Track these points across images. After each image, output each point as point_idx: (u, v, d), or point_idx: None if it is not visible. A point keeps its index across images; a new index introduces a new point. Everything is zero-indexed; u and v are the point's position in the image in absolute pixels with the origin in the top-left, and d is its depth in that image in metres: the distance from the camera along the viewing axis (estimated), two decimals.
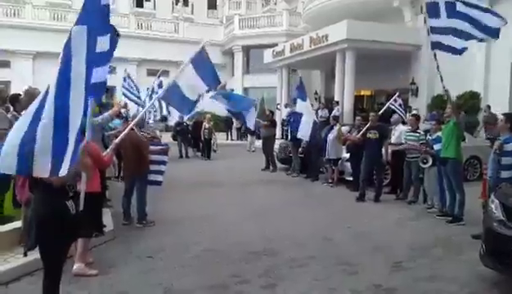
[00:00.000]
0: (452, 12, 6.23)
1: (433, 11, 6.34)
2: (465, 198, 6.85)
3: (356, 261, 5.11)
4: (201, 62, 5.84)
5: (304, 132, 10.93)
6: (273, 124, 13.56)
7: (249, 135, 19.19)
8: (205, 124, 16.29)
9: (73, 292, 4.12)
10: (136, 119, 6.04)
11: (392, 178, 9.50)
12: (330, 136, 10.33)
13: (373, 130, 8.58)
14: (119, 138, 5.06)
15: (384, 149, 8.66)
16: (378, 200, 8.51)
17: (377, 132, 8.52)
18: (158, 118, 14.53)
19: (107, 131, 7.63)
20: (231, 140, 24.28)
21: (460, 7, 6.19)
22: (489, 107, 13.21)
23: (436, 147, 7.51)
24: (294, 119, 11.69)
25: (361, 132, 8.81)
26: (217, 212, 7.69)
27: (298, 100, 11.62)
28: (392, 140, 9.17)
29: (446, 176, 7.06)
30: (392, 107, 10.24)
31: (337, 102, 17.02)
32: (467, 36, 6.29)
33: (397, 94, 10.39)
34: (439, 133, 7.42)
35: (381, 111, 9.93)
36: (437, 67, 6.52)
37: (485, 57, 14.08)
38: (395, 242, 5.87)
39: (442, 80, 6.67)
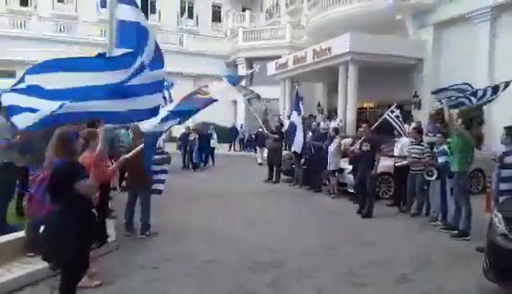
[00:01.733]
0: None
1: None
2: (471, 211, 6.80)
3: (361, 273, 5.09)
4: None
5: (297, 146, 11.31)
6: (281, 136, 13.54)
7: (258, 148, 19.08)
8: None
9: None
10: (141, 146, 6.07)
11: (395, 190, 9.49)
12: (331, 148, 10.37)
13: (365, 142, 8.51)
14: (131, 154, 5.06)
15: (376, 162, 8.38)
16: (369, 216, 8.22)
17: (369, 144, 8.42)
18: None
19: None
20: (234, 150, 24.33)
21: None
22: None
23: (440, 159, 7.52)
24: (291, 131, 11.79)
25: (356, 144, 8.79)
26: (221, 223, 7.69)
27: (294, 112, 11.78)
28: (395, 152, 9.17)
29: (453, 189, 7.05)
30: (389, 118, 10.17)
31: (336, 113, 17.08)
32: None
33: (395, 105, 10.31)
34: (445, 146, 7.43)
35: (377, 123, 9.86)
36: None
37: (488, 69, 14.11)
38: (399, 254, 5.85)
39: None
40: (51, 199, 3.39)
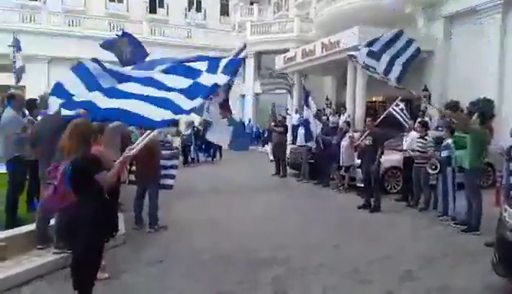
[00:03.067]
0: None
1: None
2: (482, 207, 6.72)
3: (366, 270, 5.08)
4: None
5: (312, 142, 11.27)
6: (285, 130, 13.56)
7: (269, 143, 19.05)
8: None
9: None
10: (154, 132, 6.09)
11: (403, 185, 9.43)
12: (344, 143, 10.31)
13: (368, 136, 8.49)
14: (137, 149, 5.06)
15: (377, 156, 8.35)
16: (377, 210, 8.21)
17: (371, 138, 8.39)
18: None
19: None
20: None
21: None
22: None
23: (443, 154, 7.47)
24: (305, 127, 11.72)
25: (362, 138, 8.75)
26: (227, 218, 7.71)
27: (305, 108, 11.74)
28: (405, 146, 9.11)
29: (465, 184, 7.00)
30: (394, 112, 10.10)
31: (345, 108, 16.99)
32: None
33: (399, 98, 10.23)
34: (449, 140, 7.36)
35: (381, 117, 9.79)
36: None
37: (498, 63, 13.92)
38: (406, 250, 5.83)
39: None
40: (74, 191, 3.42)
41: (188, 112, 3.74)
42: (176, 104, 3.65)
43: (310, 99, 11.91)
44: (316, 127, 11.30)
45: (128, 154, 4.04)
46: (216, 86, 3.79)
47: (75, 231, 3.42)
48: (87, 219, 3.35)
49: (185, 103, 3.67)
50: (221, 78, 3.82)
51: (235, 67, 4.03)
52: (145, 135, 4.46)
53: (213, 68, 3.82)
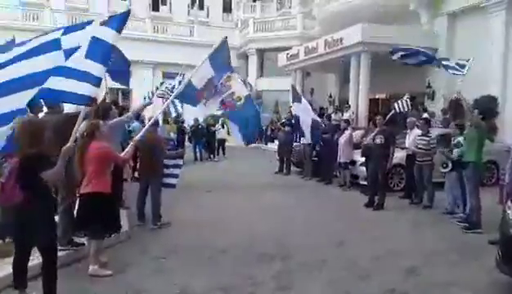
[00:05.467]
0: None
1: None
2: (480, 204, 6.70)
3: (369, 265, 5.08)
4: (218, 55, 6.06)
5: (307, 136, 11.21)
6: (292, 128, 13.48)
7: (274, 141, 19.04)
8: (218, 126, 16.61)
9: (89, 290, 4.19)
10: (152, 120, 6.18)
11: (406, 182, 9.42)
12: (342, 140, 10.31)
13: (379, 134, 8.44)
14: (137, 137, 5.14)
15: (391, 155, 8.35)
16: (381, 208, 8.19)
17: (382, 137, 8.35)
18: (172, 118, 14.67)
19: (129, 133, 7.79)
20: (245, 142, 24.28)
21: None
22: None
23: (455, 152, 7.41)
24: (296, 125, 11.75)
25: (371, 136, 8.73)
26: (231, 214, 7.73)
27: (295, 104, 11.71)
28: (407, 144, 9.09)
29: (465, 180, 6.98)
30: (397, 106, 10.23)
31: (349, 105, 16.97)
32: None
33: (406, 96, 10.36)
34: (460, 138, 7.31)
35: (390, 114, 9.81)
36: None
37: (503, 60, 13.86)
38: (409, 247, 5.82)
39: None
40: (21, 187, 3.56)
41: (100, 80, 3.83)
42: (88, 72, 3.69)
43: (302, 97, 11.84)
44: (308, 124, 11.13)
45: (131, 148, 4.13)
46: (100, 41, 3.79)
47: (40, 226, 3.56)
48: (47, 214, 3.60)
49: (93, 68, 3.72)
50: (104, 32, 3.85)
51: (122, 21, 4.01)
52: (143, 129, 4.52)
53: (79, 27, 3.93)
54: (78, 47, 3.76)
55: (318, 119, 11.38)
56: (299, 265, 5.10)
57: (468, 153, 6.82)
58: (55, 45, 3.78)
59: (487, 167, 10.15)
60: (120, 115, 6.41)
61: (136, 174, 8.27)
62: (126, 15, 4.09)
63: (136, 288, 4.34)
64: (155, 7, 31.83)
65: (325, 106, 21.53)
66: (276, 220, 7.33)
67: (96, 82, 3.78)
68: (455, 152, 7.37)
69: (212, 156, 17.11)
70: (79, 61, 3.71)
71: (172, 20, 30.88)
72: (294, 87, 12.39)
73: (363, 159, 9.74)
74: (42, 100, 4.69)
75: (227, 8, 34.55)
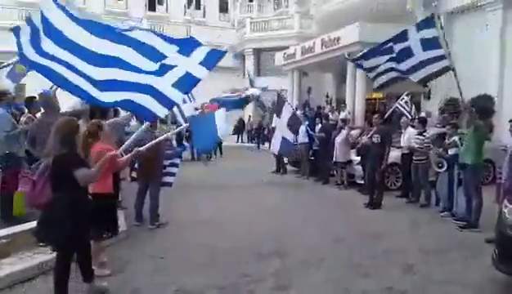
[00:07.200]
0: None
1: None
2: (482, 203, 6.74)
3: (367, 264, 5.10)
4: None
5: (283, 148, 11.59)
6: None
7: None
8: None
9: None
10: (169, 133, 6.20)
11: (403, 181, 9.45)
12: (338, 140, 10.33)
13: (376, 134, 8.45)
14: (145, 148, 5.04)
15: (385, 154, 8.30)
16: (377, 207, 8.18)
17: (379, 136, 8.36)
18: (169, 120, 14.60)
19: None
20: (242, 142, 24.35)
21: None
22: None
23: (450, 151, 7.45)
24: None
25: (369, 136, 8.75)
26: (229, 213, 7.74)
27: (274, 117, 12.02)
28: (402, 143, 9.12)
29: (464, 181, 7.00)
30: (399, 107, 10.19)
31: (345, 105, 17.00)
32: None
33: (406, 93, 10.32)
34: (455, 137, 7.34)
35: (388, 113, 9.82)
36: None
37: (499, 59, 13.92)
38: (407, 245, 5.84)
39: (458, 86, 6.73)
40: (53, 187, 3.62)
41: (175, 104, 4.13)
42: (168, 97, 3.85)
43: (286, 104, 11.90)
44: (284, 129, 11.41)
45: (136, 153, 4.12)
46: (192, 77, 3.90)
47: (51, 225, 3.56)
48: (65, 213, 3.51)
49: (172, 94, 3.87)
50: (199, 71, 3.92)
51: (216, 60, 4.06)
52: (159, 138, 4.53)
53: (185, 50, 3.94)
54: (174, 66, 3.92)
55: (289, 135, 11.42)
56: (297, 263, 5.12)
57: (465, 154, 6.82)
58: (160, 57, 3.93)
59: (483, 166, 10.22)
60: (115, 115, 6.41)
61: (133, 174, 8.24)
62: (221, 55, 4.18)
63: (135, 287, 4.34)
64: (152, 7, 31.77)
65: (323, 106, 21.55)
66: (274, 219, 7.34)
67: (170, 107, 4.14)
68: (450, 151, 7.42)
69: (209, 156, 17.07)
70: (164, 86, 3.88)
71: (169, 19, 30.84)
72: (279, 95, 12.25)
73: (359, 158, 9.78)
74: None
75: (224, 8, 34.51)
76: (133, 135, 4.77)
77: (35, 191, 3.65)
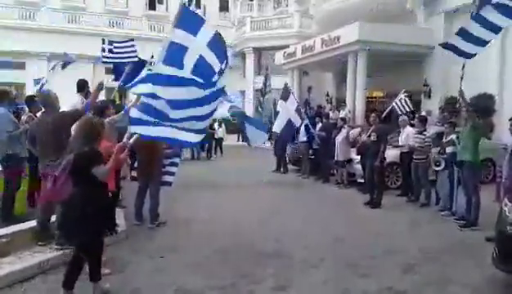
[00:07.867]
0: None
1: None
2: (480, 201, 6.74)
3: (367, 264, 5.09)
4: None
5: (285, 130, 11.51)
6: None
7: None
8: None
9: (87, 289, 4.18)
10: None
11: (402, 180, 9.44)
12: (339, 138, 10.33)
13: (373, 132, 8.45)
14: (132, 140, 5.06)
15: (380, 152, 8.26)
16: (377, 206, 8.16)
17: (376, 135, 8.35)
18: None
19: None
20: (242, 141, 24.32)
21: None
22: None
23: (448, 150, 7.45)
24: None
25: (367, 134, 8.73)
26: (228, 213, 7.73)
27: (281, 101, 11.88)
28: (400, 142, 9.11)
29: (462, 179, 7.00)
30: (395, 105, 10.19)
31: (345, 104, 17.01)
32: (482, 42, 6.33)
33: (403, 91, 10.33)
34: (453, 136, 7.34)
35: (385, 112, 9.82)
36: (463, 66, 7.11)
37: (500, 57, 13.91)
38: (407, 245, 5.83)
39: (461, 79, 6.72)
40: (74, 182, 3.70)
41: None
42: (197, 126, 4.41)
43: (292, 95, 11.85)
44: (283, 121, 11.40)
45: (124, 143, 4.16)
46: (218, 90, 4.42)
47: (79, 222, 3.62)
48: (90, 211, 3.59)
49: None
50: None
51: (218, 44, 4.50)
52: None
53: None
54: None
55: (296, 120, 11.34)
56: (297, 263, 5.11)
57: (463, 152, 6.82)
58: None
59: (483, 165, 10.22)
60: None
61: (134, 173, 8.24)
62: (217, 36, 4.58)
63: (135, 287, 4.34)
64: (152, 6, 31.77)
65: (323, 105, 21.55)
66: (274, 219, 7.33)
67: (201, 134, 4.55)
68: (448, 150, 7.42)
69: (209, 155, 17.12)
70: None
71: (169, 18, 30.80)
72: (286, 86, 12.39)
73: (359, 157, 9.77)
74: None
75: (224, 7, 34.51)
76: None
77: (56, 186, 3.69)
